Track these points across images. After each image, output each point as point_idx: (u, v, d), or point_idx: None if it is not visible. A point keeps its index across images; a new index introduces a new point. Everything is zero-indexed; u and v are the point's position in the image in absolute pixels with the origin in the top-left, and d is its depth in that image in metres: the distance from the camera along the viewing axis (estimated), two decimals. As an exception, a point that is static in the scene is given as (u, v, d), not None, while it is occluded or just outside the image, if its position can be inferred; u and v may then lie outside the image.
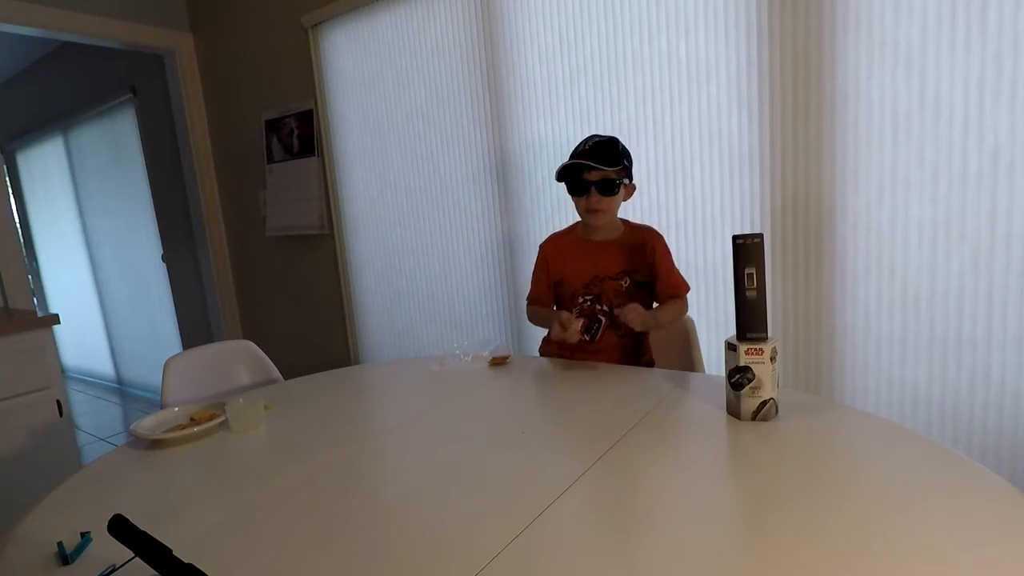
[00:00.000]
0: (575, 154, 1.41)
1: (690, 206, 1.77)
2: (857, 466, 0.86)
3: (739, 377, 1.05)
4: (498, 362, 1.51)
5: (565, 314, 1.38)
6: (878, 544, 0.65)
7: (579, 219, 1.53)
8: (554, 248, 1.56)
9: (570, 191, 1.45)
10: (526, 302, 1.62)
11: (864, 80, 1.45)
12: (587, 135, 1.49)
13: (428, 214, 2.44)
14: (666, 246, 1.49)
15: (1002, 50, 1.28)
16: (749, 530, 0.71)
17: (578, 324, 1.36)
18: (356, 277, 2.78)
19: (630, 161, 1.45)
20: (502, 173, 2.17)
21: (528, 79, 2.04)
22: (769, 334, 1.06)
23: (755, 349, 1.03)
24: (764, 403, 1.03)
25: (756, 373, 1.03)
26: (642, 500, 0.81)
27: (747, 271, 1.05)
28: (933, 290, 1.44)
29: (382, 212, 2.60)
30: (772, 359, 1.03)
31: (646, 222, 1.87)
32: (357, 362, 2.86)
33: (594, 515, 0.77)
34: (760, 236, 1.06)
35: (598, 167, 1.37)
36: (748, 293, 1.06)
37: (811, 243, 1.59)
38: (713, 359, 1.78)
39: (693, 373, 1.37)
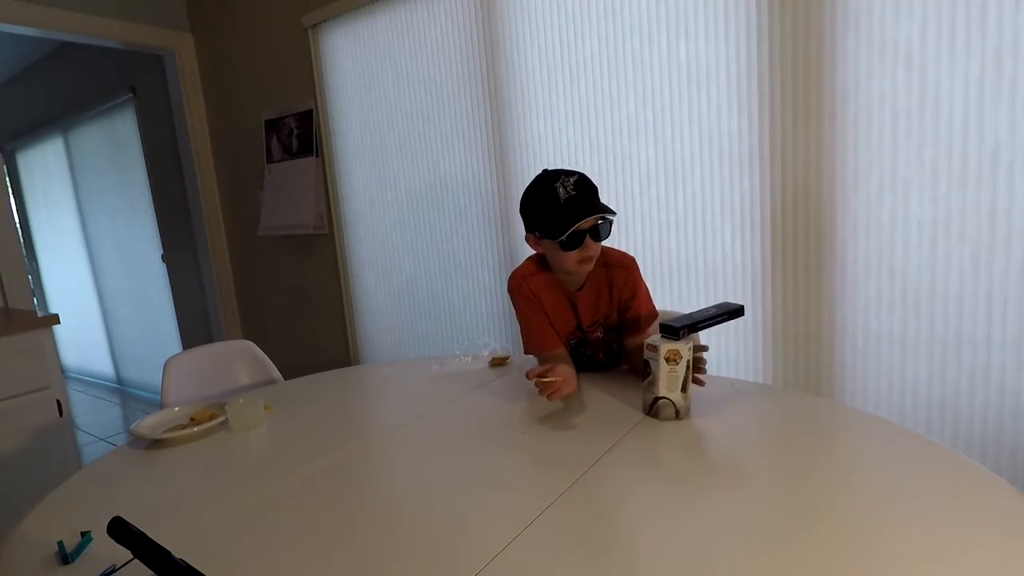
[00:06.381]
0: (567, 205, 1.16)
1: (690, 206, 1.77)
2: (856, 466, 0.86)
3: (645, 367, 1.06)
4: (498, 362, 1.51)
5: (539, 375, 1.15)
6: (876, 544, 0.65)
7: (529, 255, 1.35)
8: (533, 289, 1.32)
9: (565, 247, 1.18)
10: (528, 354, 1.35)
11: (864, 80, 1.45)
12: (574, 166, 1.31)
13: (428, 214, 2.44)
14: (639, 274, 1.32)
15: (1002, 50, 1.28)
16: (748, 529, 0.71)
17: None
18: (356, 277, 2.78)
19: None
20: (502, 173, 2.17)
21: (528, 79, 2.04)
22: (691, 338, 1.04)
23: (651, 346, 1.03)
24: (656, 399, 1.04)
25: (651, 369, 1.04)
26: (644, 500, 0.81)
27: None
28: (933, 290, 1.44)
29: (382, 212, 2.60)
30: (668, 360, 1.01)
31: (647, 222, 1.86)
32: (357, 362, 2.86)
33: (596, 514, 0.77)
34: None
35: (607, 215, 1.17)
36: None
37: (811, 243, 1.59)
38: (713, 359, 1.78)
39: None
